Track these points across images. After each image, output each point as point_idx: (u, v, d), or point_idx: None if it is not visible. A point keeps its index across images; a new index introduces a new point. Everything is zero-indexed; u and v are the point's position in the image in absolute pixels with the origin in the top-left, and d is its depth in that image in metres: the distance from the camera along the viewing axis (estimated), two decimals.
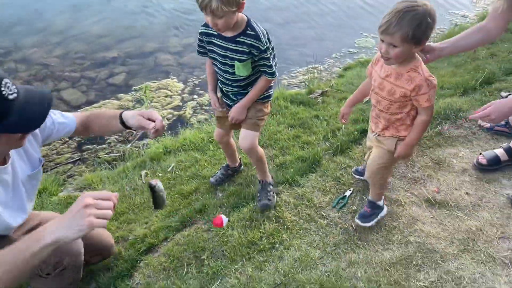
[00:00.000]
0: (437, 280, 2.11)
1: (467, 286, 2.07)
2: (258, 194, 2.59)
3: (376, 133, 2.18)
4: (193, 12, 5.68)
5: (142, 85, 4.34)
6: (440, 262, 2.21)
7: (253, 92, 2.32)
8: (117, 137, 3.69)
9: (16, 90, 1.33)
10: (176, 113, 4.01)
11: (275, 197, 2.61)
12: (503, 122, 3.07)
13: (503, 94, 3.45)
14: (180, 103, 4.13)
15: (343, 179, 2.74)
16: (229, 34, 2.16)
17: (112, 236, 2.29)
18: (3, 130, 1.33)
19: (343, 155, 2.96)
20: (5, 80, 1.29)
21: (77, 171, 3.36)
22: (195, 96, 4.23)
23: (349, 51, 5.12)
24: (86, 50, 4.96)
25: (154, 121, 1.71)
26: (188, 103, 4.14)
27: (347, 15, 5.94)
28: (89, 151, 3.55)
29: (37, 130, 1.71)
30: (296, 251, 2.27)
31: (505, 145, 2.78)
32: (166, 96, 4.19)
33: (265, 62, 2.21)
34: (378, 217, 2.39)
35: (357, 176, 2.72)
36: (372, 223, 2.37)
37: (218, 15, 1.99)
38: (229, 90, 2.38)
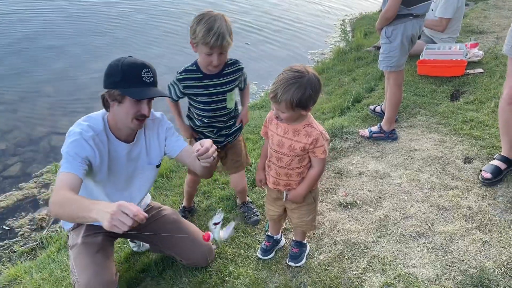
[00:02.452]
0: (368, 265, 2.46)
1: (391, 263, 2.46)
2: (246, 214, 2.93)
3: (285, 197, 2.29)
4: (74, 92, 5.72)
5: (44, 169, 4.19)
6: (365, 250, 2.58)
7: (246, 99, 2.70)
8: (29, 226, 3.51)
9: (151, 80, 1.95)
10: None
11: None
12: (377, 129, 3.71)
13: (371, 107, 4.16)
14: None
15: None
16: (213, 71, 2.35)
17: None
18: (127, 92, 1.89)
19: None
20: (146, 69, 1.92)
21: None
22: None
23: None
24: None
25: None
26: None
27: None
28: (1, 248, 3.31)
29: (160, 139, 2.25)
30: (245, 278, 2.44)
31: (496, 155, 3.07)
32: None
33: (244, 77, 2.55)
34: (306, 253, 2.55)
35: (266, 257, 2.62)
36: (304, 261, 2.50)
37: (225, 51, 2.20)
38: (218, 126, 2.56)
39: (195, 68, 2.41)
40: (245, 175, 2.84)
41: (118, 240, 2.89)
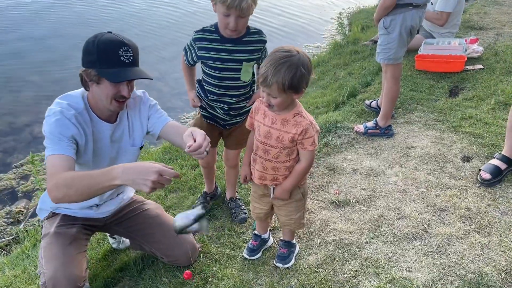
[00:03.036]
0: (360, 268, 2.32)
1: (385, 266, 2.31)
2: (233, 211, 2.77)
3: (272, 193, 2.15)
4: (61, 81, 5.52)
5: (24, 159, 4.01)
6: (357, 252, 2.43)
7: None
8: (5, 220, 3.34)
9: (131, 60, 1.78)
10: None
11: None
12: (373, 124, 3.56)
13: (367, 102, 4.01)
14: None
15: None
16: (231, 36, 2.18)
17: None
18: (104, 74, 1.75)
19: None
20: (124, 47, 1.75)
21: None
22: None
23: None
24: None
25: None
26: None
27: None
28: None
29: (142, 119, 2.09)
30: (230, 279, 2.29)
31: (496, 155, 2.92)
32: None
33: (265, 54, 2.33)
34: (295, 254, 2.40)
35: (253, 257, 2.46)
36: (292, 262, 2.37)
37: (244, 15, 2.02)
38: (226, 102, 2.38)
39: (213, 29, 2.24)
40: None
41: (97, 236, 2.74)
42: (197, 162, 3.44)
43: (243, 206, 2.80)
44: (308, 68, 1.78)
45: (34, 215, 3.41)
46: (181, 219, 1.81)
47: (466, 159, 3.13)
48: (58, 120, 1.78)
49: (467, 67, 4.53)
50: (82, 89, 1.93)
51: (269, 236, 2.53)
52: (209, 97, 2.42)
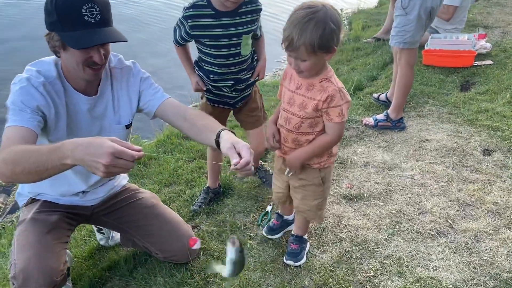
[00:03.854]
0: (381, 267, 2.06)
1: (408, 265, 2.06)
2: (265, 180, 2.69)
3: (288, 171, 1.89)
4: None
5: None
6: (376, 249, 2.17)
7: (263, 50, 2.31)
8: None
9: (98, 19, 1.44)
10: None
11: None
12: (383, 117, 3.33)
13: (375, 95, 3.77)
14: None
15: (260, 196, 2.61)
16: (230, 7, 1.97)
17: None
18: (65, 39, 1.45)
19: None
20: (88, 3, 1.41)
21: None
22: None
23: None
24: None
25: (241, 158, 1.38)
26: None
27: None
28: None
29: (133, 92, 1.78)
30: (234, 279, 2.01)
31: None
32: None
33: (259, 24, 2.16)
34: (306, 251, 2.16)
35: (272, 237, 2.29)
36: (304, 259, 2.11)
37: None
38: (229, 80, 2.17)
39: (205, 3, 1.99)
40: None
41: (82, 232, 2.44)
42: (194, 155, 3.16)
43: (271, 170, 2.68)
44: (337, 23, 1.54)
45: (13, 210, 3.09)
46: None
47: (487, 152, 2.90)
48: (23, 88, 1.50)
49: (476, 62, 4.33)
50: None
51: (293, 219, 2.25)
52: (211, 78, 2.18)
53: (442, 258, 2.09)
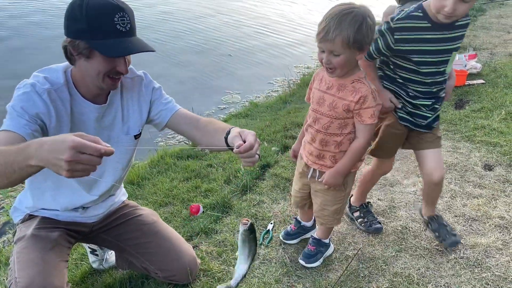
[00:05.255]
0: (390, 285, 1.97)
1: (419, 282, 1.97)
2: (437, 234, 2.19)
3: (315, 175, 1.88)
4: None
5: None
6: (384, 267, 2.09)
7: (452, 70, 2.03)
8: None
9: (128, 28, 1.43)
10: None
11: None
12: None
13: None
14: None
15: (261, 215, 2.52)
16: (447, 20, 1.70)
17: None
18: (97, 47, 1.40)
19: (252, 192, 2.76)
20: (120, 13, 1.40)
21: None
22: None
23: (219, 107, 5.14)
24: None
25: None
26: None
27: (205, 79, 6.04)
28: None
29: (143, 104, 1.73)
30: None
31: None
32: None
33: None
34: (324, 256, 2.11)
35: (288, 242, 2.27)
36: (318, 263, 2.08)
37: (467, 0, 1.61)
38: (430, 98, 1.91)
39: (421, 14, 1.75)
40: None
41: (74, 255, 2.31)
42: (189, 175, 3.07)
43: (448, 226, 2.22)
44: (373, 21, 1.56)
45: (3, 232, 2.93)
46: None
47: (488, 167, 2.87)
48: (25, 94, 1.43)
49: (468, 82, 4.38)
50: (67, 63, 1.57)
51: (313, 226, 2.23)
52: (410, 94, 1.93)
53: (453, 275, 2.01)
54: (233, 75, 6.11)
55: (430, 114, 1.97)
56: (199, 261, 2.02)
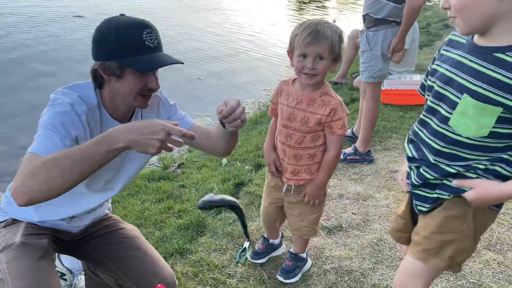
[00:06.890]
0: None
1: None
2: None
3: (290, 187, 1.88)
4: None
5: None
6: (362, 279, 2.09)
7: None
8: None
9: (156, 44, 1.45)
10: None
11: None
12: (352, 150, 3.36)
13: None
14: None
15: (236, 233, 2.47)
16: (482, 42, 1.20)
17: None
18: (130, 64, 1.42)
19: (226, 210, 2.72)
20: (148, 29, 1.43)
21: None
22: None
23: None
24: None
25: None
26: None
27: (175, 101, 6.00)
28: None
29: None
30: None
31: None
32: None
33: None
34: (302, 271, 2.11)
35: (257, 261, 2.21)
36: (297, 278, 2.07)
37: None
38: None
39: None
40: None
41: None
42: (161, 196, 3.00)
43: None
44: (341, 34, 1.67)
45: None
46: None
47: None
48: (66, 113, 1.39)
49: None
50: (90, 81, 1.54)
51: (280, 243, 2.23)
52: None
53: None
54: (203, 99, 6.13)
55: None
56: (177, 281, 1.95)
